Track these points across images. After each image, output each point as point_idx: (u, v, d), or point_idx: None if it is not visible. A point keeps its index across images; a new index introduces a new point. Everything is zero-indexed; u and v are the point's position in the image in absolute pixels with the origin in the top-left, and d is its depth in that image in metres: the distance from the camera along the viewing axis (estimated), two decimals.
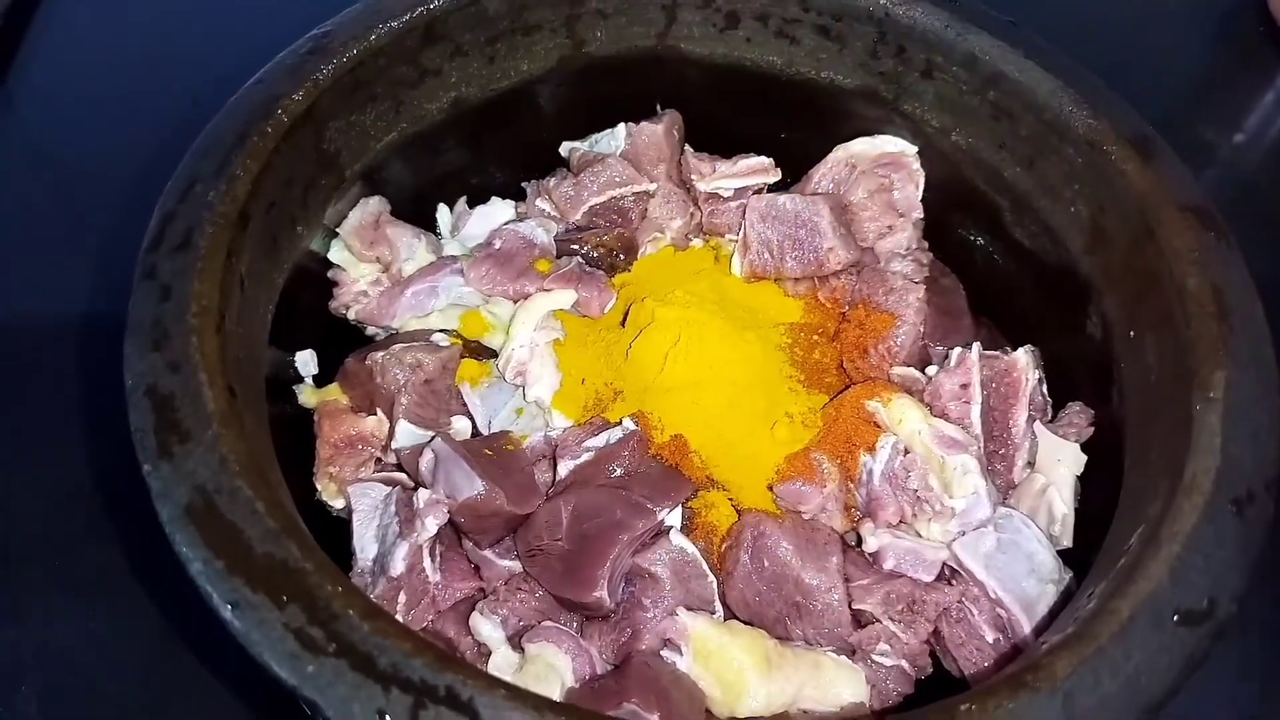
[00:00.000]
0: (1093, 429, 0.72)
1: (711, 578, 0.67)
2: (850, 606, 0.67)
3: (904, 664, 0.67)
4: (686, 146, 0.88)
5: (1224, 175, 1.13)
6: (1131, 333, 0.65)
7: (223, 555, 0.46)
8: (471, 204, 0.86)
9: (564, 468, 0.70)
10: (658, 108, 0.87)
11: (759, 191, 0.85)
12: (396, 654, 0.44)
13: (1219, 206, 0.64)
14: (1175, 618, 0.48)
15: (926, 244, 0.85)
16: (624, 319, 0.79)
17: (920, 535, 0.69)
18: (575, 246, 0.83)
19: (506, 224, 0.83)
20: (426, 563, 0.66)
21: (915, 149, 0.82)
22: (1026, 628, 0.64)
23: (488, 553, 0.69)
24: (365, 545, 0.68)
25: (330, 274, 0.78)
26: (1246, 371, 0.56)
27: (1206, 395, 0.56)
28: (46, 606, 0.79)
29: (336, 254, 0.78)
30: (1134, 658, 0.46)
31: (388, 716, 0.43)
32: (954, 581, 0.68)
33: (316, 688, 0.43)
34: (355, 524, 0.68)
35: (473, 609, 0.67)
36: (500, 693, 0.43)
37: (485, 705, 0.43)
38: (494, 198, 0.86)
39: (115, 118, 1.08)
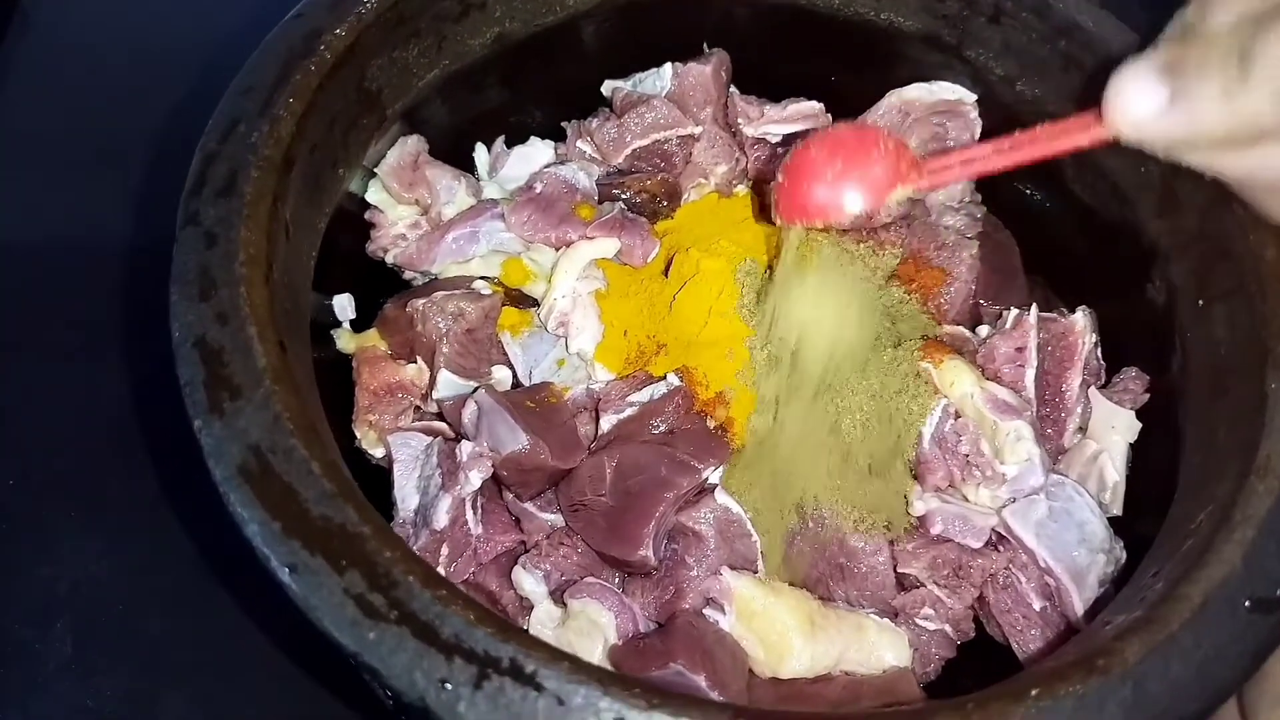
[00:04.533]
0: (1148, 396, 0.71)
1: (756, 537, 0.67)
2: (895, 570, 0.67)
3: (947, 628, 0.66)
4: (733, 89, 0.84)
5: None
6: (1200, 302, 0.63)
7: (279, 517, 0.45)
8: (509, 144, 0.83)
9: (607, 422, 0.69)
10: (705, 47, 0.84)
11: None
12: (459, 623, 0.43)
13: None
14: (1248, 604, 0.47)
15: (980, 197, 0.83)
16: (666, 268, 0.77)
17: (967, 500, 0.68)
18: (617, 191, 0.80)
19: (547, 167, 0.80)
20: (469, 516, 0.65)
21: (974, 97, 0.79)
22: (1075, 597, 0.63)
23: (529, 505, 0.69)
24: (407, 496, 0.67)
25: (367, 215, 0.76)
26: None
27: None
28: (79, 543, 0.79)
29: (374, 195, 0.76)
30: (1204, 645, 0.45)
31: (449, 685, 0.42)
32: (1001, 548, 0.67)
33: (378, 655, 0.43)
34: (396, 474, 0.67)
35: (513, 562, 0.67)
36: (564, 665, 0.43)
37: (548, 677, 0.42)
38: (533, 138, 0.83)
39: (138, 43, 1.04)
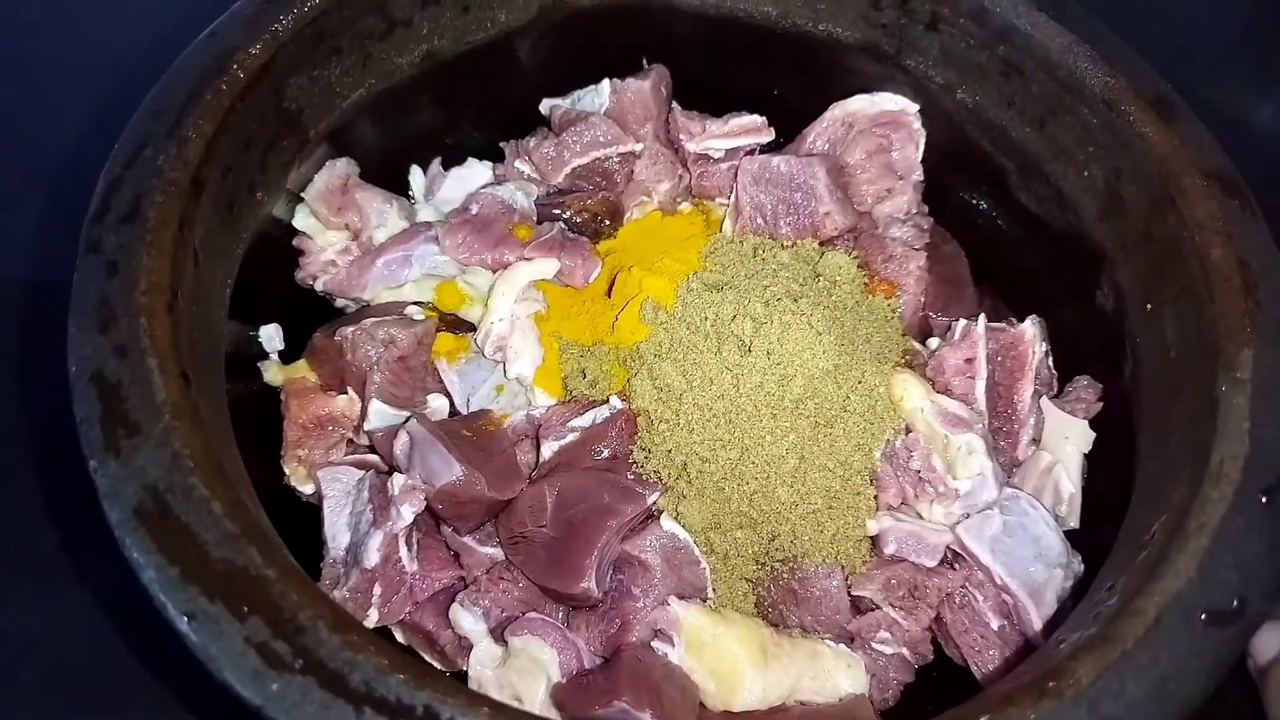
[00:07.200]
0: (1101, 404, 0.69)
1: (704, 564, 0.64)
2: (849, 593, 0.64)
3: (904, 651, 0.64)
4: (674, 104, 0.83)
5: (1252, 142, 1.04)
6: (1148, 305, 0.62)
7: (177, 561, 0.42)
8: (446, 165, 0.81)
9: (548, 449, 0.67)
10: (644, 62, 0.82)
11: (751, 152, 0.81)
12: (369, 670, 0.40)
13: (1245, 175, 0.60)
14: (1204, 618, 0.45)
15: (926, 208, 0.81)
16: (609, 289, 0.75)
17: (922, 517, 0.66)
18: (557, 211, 0.78)
19: (484, 188, 0.78)
20: (403, 552, 0.62)
21: (916, 107, 0.78)
22: (1033, 614, 0.61)
23: (468, 539, 0.66)
24: (337, 534, 0.64)
25: (295, 242, 0.73)
26: (1275, 349, 0.53)
27: (1233, 375, 0.52)
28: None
29: (302, 220, 0.73)
30: (1161, 662, 0.43)
31: None
32: (957, 566, 0.65)
33: (282, 708, 0.40)
34: (326, 511, 0.64)
35: (452, 599, 0.64)
36: (483, 711, 0.40)
37: None
38: (470, 159, 0.81)
39: (50, 74, 1.00)
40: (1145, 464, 0.59)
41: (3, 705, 0.71)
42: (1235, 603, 0.46)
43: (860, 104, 0.80)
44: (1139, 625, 0.44)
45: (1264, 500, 0.48)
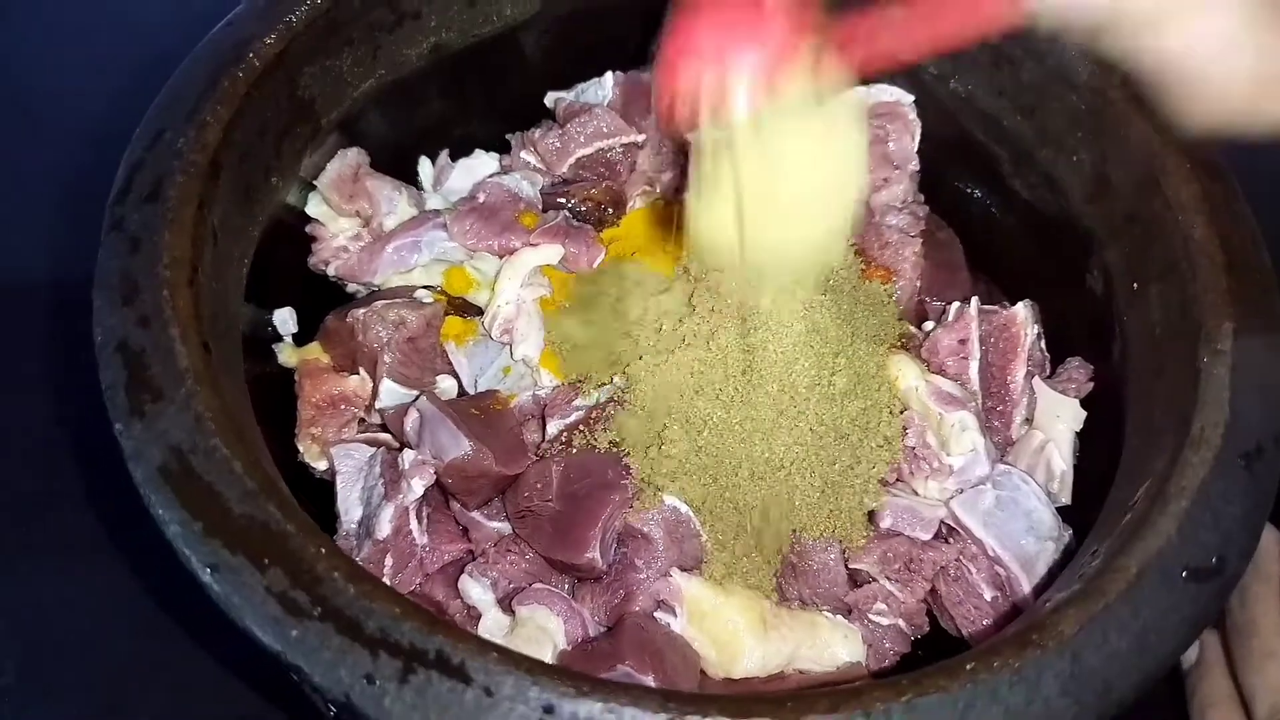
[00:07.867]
0: (1092, 384, 0.71)
1: (705, 537, 0.66)
2: (846, 566, 0.66)
3: (901, 623, 0.66)
4: None
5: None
6: (1134, 285, 0.64)
7: (200, 517, 0.45)
8: (454, 157, 0.83)
9: (553, 427, 0.69)
10: (648, 55, 0.84)
11: None
12: (384, 617, 0.42)
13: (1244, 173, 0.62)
14: (1184, 575, 0.47)
15: (922, 197, 0.83)
16: None
17: (917, 493, 0.68)
18: (562, 200, 0.80)
19: (490, 177, 0.80)
20: (413, 525, 0.64)
21: (912, 98, 0.80)
22: (1025, 586, 0.63)
23: (476, 514, 0.68)
24: (350, 508, 0.66)
25: (308, 229, 0.75)
26: (1255, 323, 0.55)
27: (1214, 348, 0.54)
28: (22, 569, 0.77)
29: (314, 208, 0.75)
30: (1142, 616, 0.45)
31: (374, 681, 0.41)
32: (951, 540, 0.66)
33: (301, 653, 0.42)
34: (339, 486, 0.66)
35: (461, 572, 0.66)
36: (492, 655, 0.42)
37: (477, 669, 0.42)
38: (477, 150, 0.83)
39: (70, 67, 1.03)
40: (1131, 439, 0.61)
41: (28, 677, 0.73)
42: (1215, 560, 0.47)
43: (857, 95, 0.82)
44: (1121, 581, 0.46)
45: (1243, 465, 0.50)
